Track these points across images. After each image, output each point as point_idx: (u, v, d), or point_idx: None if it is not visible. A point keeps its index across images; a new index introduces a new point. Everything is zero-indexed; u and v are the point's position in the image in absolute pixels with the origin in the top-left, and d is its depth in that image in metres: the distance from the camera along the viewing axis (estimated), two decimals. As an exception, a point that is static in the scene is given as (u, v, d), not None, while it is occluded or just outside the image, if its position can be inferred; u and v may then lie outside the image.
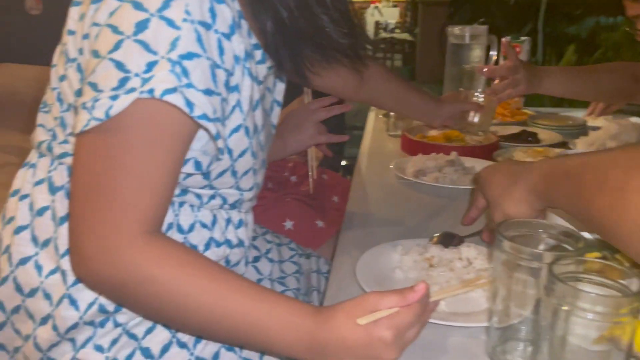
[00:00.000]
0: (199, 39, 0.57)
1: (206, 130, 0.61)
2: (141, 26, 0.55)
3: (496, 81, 1.46)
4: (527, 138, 1.50)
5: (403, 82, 1.23)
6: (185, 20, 0.56)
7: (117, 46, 0.55)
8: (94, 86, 0.56)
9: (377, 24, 10.61)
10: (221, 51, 0.61)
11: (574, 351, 0.51)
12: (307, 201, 1.24)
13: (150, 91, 0.54)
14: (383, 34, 9.65)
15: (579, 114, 1.84)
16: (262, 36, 0.69)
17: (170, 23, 0.56)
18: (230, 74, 0.64)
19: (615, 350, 0.49)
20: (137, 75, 0.54)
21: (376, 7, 11.21)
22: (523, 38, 1.87)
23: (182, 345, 0.70)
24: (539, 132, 1.57)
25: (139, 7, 0.55)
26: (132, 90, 0.54)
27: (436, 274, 0.75)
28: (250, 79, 0.68)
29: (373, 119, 1.87)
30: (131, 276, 0.56)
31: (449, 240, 0.85)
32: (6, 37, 2.51)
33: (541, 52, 5.71)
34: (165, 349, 0.70)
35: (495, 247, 0.60)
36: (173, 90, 0.55)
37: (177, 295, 0.57)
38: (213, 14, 0.60)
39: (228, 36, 0.63)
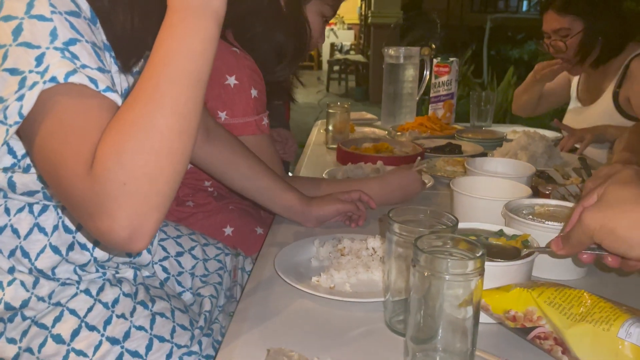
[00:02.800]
0: (73, 27, 0.61)
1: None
2: (17, 31, 0.58)
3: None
4: (451, 150, 1.63)
5: (260, 164, 1.05)
6: (53, 12, 0.60)
7: (4, 57, 0.58)
8: None
9: (333, 45, 10.89)
10: (95, 35, 0.65)
11: (437, 315, 0.61)
12: (250, 210, 1.31)
13: (53, 79, 0.57)
14: (338, 56, 9.91)
15: (503, 129, 2.00)
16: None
17: (41, 18, 0.59)
18: (105, 56, 0.67)
19: (471, 310, 0.60)
20: (31, 71, 0.57)
21: (332, 29, 11.49)
22: (452, 59, 2.03)
23: (92, 328, 0.75)
24: (463, 144, 1.71)
25: (8, 18, 0.59)
26: (35, 84, 0.57)
27: (345, 261, 0.85)
28: (116, 66, 0.71)
29: (315, 133, 2.01)
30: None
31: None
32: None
33: (486, 73, 6.02)
34: (75, 333, 0.74)
35: (387, 230, 0.71)
36: (74, 72, 0.58)
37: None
38: (76, 4, 0.64)
39: (94, 22, 0.67)
